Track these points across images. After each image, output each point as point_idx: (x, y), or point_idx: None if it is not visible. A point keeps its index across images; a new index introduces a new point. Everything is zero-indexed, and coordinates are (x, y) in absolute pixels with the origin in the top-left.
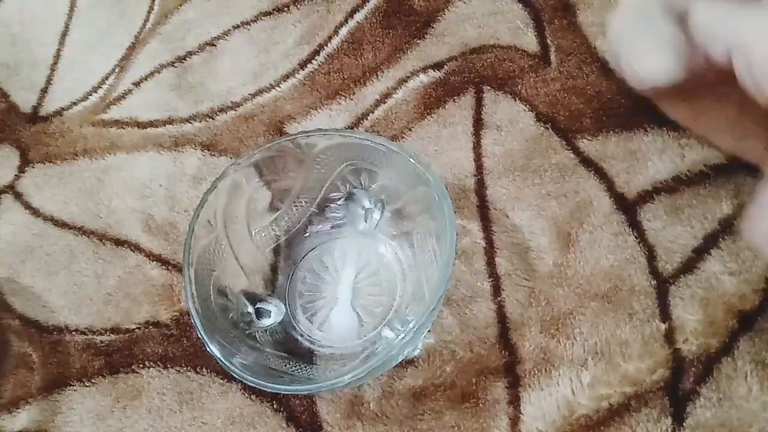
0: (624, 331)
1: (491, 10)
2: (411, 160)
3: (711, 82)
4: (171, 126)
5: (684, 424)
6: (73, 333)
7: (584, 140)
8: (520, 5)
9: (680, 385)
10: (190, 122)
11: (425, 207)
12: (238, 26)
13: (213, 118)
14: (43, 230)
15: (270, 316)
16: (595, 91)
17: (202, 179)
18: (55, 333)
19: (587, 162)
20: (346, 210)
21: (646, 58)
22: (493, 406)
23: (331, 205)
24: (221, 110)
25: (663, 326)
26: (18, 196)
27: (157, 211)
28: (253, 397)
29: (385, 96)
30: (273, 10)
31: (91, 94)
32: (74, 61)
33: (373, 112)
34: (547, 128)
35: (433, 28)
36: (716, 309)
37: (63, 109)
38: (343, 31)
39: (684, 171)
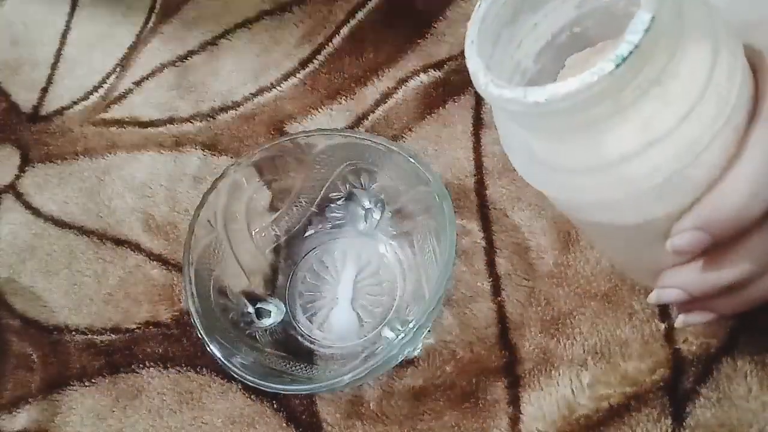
0: (624, 331)
1: None
2: (411, 160)
3: None
4: (172, 125)
5: (684, 423)
6: (73, 333)
7: None
8: None
9: (680, 384)
10: (190, 122)
11: (425, 207)
12: (239, 25)
13: (214, 118)
14: (44, 230)
15: (270, 316)
16: None
17: (202, 179)
18: (55, 333)
19: None
20: (346, 210)
21: None
22: (493, 406)
23: (331, 205)
24: (222, 110)
25: (663, 326)
26: (18, 196)
27: (158, 211)
28: (253, 397)
29: (386, 96)
30: (275, 9)
31: (91, 94)
32: (75, 61)
33: (373, 112)
34: None
35: (434, 27)
36: None
37: (64, 108)
38: (345, 31)
39: None
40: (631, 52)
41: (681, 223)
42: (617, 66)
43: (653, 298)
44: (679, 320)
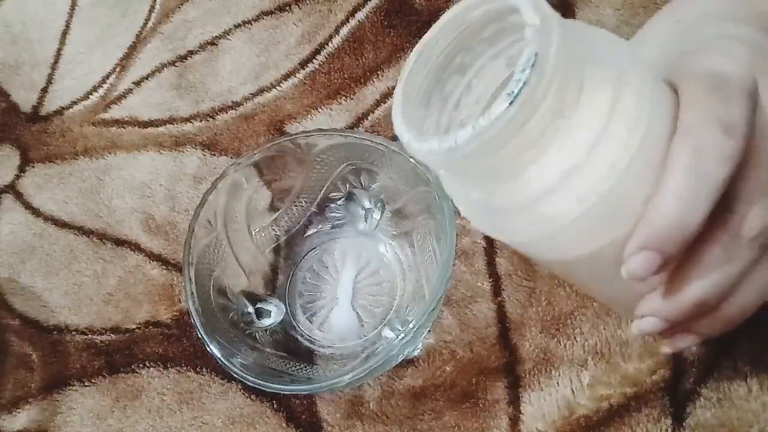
0: (625, 331)
1: None
2: (411, 160)
3: None
4: (171, 125)
5: (684, 424)
6: (73, 333)
7: None
8: None
9: (680, 385)
10: (190, 122)
11: (425, 207)
12: (239, 25)
13: (213, 118)
14: (44, 230)
15: (270, 316)
16: None
17: (202, 179)
18: (55, 333)
19: None
20: (346, 210)
21: None
22: (493, 406)
23: (331, 205)
24: (222, 110)
25: None
26: (18, 195)
27: (157, 211)
28: (253, 397)
29: (386, 95)
30: (274, 9)
31: (91, 94)
32: (75, 61)
33: (373, 112)
34: None
35: None
36: None
37: (63, 108)
38: (344, 31)
39: None
40: (521, 89)
41: (627, 248)
42: (511, 103)
43: (634, 329)
44: (665, 348)
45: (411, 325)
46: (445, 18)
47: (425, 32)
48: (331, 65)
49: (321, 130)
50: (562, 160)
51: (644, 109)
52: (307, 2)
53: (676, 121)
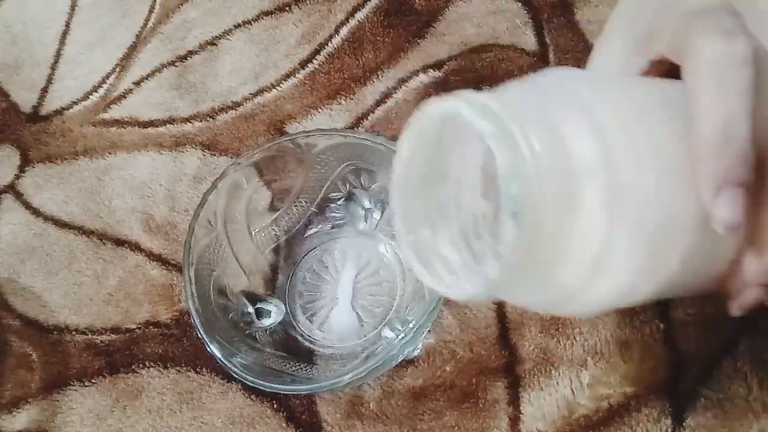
0: (624, 331)
1: (491, 10)
2: None
3: None
4: (171, 126)
5: (684, 424)
6: (73, 333)
7: None
8: (519, 4)
9: (680, 385)
10: (190, 122)
11: None
12: (239, 25)
13: (213, 118)
14: (44, 230)
15: (270, 316)
16: None
17: (202, 179)
18: (55, 333)
19: None
20: (346, 210)
21: None
22: (493, 406)
23: (331, 205)
24: (222, 110)
25: (663, 326)
26: (18, 196)
27: (157, 211)
28: (253, 397)
29: (386, 96)
30: (274, 9)
31: (91, 94)
32: (75, 61)
33: (373, 112)
34: None
35: (433, 27)
36: (716, 308)
37: (63, 108)
38: (344, 31)
39: None
40: (516, 202)
41: (704, 198)
42: (515, 216)
43: (736, 311)
44: None
45: (411, 325)
46: (404, 152)
47: (425, 32)
48: (331, 65)
49: (321, 130)
50: (592, 231)
51: (633, 130)
52: (307, 2)
53: (676, 107)
